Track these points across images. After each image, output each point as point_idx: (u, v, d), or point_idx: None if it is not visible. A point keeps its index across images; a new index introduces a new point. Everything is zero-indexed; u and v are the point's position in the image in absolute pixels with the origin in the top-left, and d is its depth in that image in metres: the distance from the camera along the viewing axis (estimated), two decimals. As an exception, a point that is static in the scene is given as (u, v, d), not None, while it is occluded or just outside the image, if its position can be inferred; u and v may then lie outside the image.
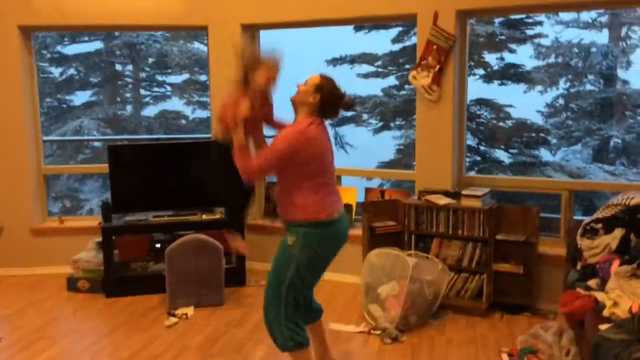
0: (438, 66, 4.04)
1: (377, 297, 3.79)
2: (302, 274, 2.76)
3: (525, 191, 4.51)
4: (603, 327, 2.64)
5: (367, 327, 3.73)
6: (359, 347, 3.50)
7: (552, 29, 9.77)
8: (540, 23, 9.41)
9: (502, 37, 9.27)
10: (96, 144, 10.58)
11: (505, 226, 3.98)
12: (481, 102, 9.28)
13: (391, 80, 10.20)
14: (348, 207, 4.66)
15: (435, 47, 4.04)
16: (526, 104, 9.63)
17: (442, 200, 3.97)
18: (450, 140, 4.14)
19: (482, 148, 9.35)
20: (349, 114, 10.65)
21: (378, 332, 3.64)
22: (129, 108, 11.55)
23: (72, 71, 11.01)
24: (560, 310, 3.09)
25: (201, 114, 10.98)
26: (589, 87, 9.68)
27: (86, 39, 10.86)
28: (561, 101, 10.10)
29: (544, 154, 9.47)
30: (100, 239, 4.47)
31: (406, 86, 9.93)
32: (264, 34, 4.98)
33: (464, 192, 3.96)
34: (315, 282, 2.97)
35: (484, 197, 3.88)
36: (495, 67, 9.47)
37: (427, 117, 4.20)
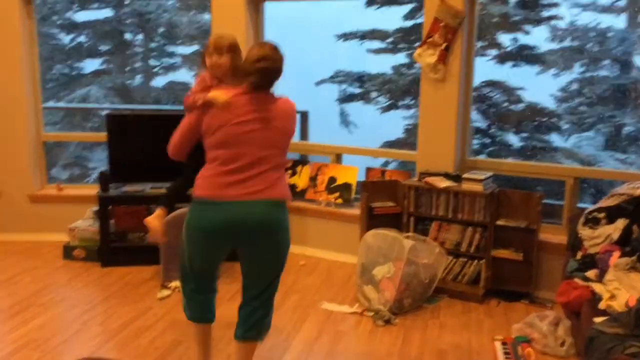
0: (445, 44, 3.92)
1: (372, 278, 3.74)
2: (184, 248, 2.62)
3: (533, 176, 4.40)
4: (598, 320, 2.57)
5: (361, 309, 3.68)
6: (351, 328, 3.46)
7: (568, 11, 9.56)
8: (556, 4, 9.20)
9: (517, 18, 9.08)
10: (104, 112, 10.52)
11: (507, 212, 3.90)
12: (493, 83, 9.11)
13: (401, 58, 10.05)
14: (347, 186, 4.60)
15: (442, 24, 3.91)
16: (539, 87, 9.47)
17: (443, 183, 3.89)
18: (454, 121, 4.04)
19: (491, 130, 9.22)
20: (357, 91, 10.55)
21: (371, 313, 3.60)
22: (138, 78, 11.48)
23: (82, 38, 10.92)
24: (557, 300, 3.03)
25: (208, 85, 10.89)
26: (603, 72, 9.50)
27: (95, 5, 10.75)
28: (575, 86, 9.94)
29: (555, 140, 9.34)
30: (97, 207, 4.44)
31: (416, 64, 9.77)
32: (269, 6, 4.85)
33: (465, 175, 3.87)
34: (193, 266, 2.63)
35: (485, 181, 3.80)
36: (509, 48, 9.29)
37: (431, 97, 4.09)
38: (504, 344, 3.24)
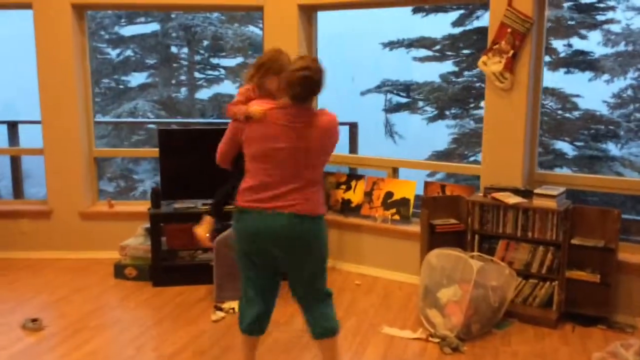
0: (512, 51, 3.68)
1: (437, 301, 3.51)
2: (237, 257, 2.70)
3: (604, 191, 4.07)
4: None
5: (425, 334, 3.46)
6: (416, 356, 3.24)
7: (622, 15, 9.18)
8: (612, 8, 8.83)
9: (571, 22, 8.74)
10: (150, 125, 10.62)
11: (581, 230, 3.62)
12: (546, 90, 8.76)
13: (449, 66, 9.79)
14: (405, 201, 4.39)
15: (509, 30, 3.68)
16: (591, 93, 9.11)
17: (512, 199, 3.64)
18: (522, 133, 3.79)
19: (543, 139, 8.87)
20: (404, 100, 10.33)
21: (437, 340, 3.37)
22: (183, 90, 11.55)
23: (129, 52, 11.05)
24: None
25: (255, 97, 10.86)
26: (659, 77, 9.10)
27: (142, 20, 10.87)
28: (630, 92, 9.52)
29: (611, 148, 8.94)
30: (148, 225, 4.35)
31: (465, 72, 9.52)
32: (321, 16, 4.72)
33: (536, 190, 3.62)
34: (249, 276, 2.69)
35: (559, 197, 3.53)
36: (562, 54, 8.94)
37: (497, 107, 3.85)
38: (585, 375, 2.98)
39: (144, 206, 4.69)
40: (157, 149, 4.41)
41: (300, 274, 2.63)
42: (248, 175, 2.58)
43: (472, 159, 9.30)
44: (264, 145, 2.50)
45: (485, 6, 8.30)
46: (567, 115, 8.98)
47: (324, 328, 2.68)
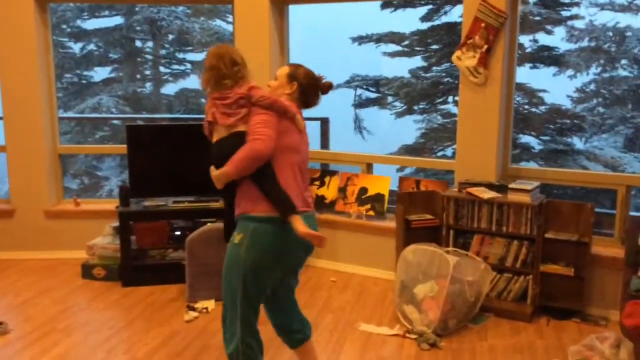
0: (486, 46, 3.68)
1: (413, 297, 3.50)
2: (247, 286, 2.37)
3: (575, 185, 4.12)
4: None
5: (402, 330, 3.44)
6: (393, 353, 3.21)
7: (586, 11, 9.35)
8: (577, 4, 8.98)
9: (538, 18, 8.85)
10: (115, 121, 10.37)
11: (555, 224, 3.65)
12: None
13: (418, 61, 9.82)
14: (379, 197, 4.36)
15: (483, 25, 3.68)
16: (556, 88, 9.26)
17: (487, 194, 3.64)
18: (495, 128, 3.80)
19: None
20: (374, 95, 10.32)
21: (414, 336, 3.35)
22: (148, 85, 11.32)
23: (91, 46, 10.76)
24: (624, 322, 2.77)
25: (222, 93, 10.72)
26: (622, 72, 9.28)
27: (106, 13, 10.60)
28: (592, 87, 9.71)
29: (576, 142, 9.11)
30: (117, 223, 4.23)
31: (434, 68, 9.57)
32: (292, 10, 4.65)
33: (511, 185, 3.63)
34: (259, 298, 2.45)
35: (533, 192, 3.55)
36: (528, 49, 9.06)
37: (471, 102, 3.85)
38: (562, 368, 3.00)
39: (111, 204, 4.56)
40: (124, 146, 4.28)
41: (296, 275, 2.61)
42: (281, 177, 2.36)
43: (440, 153, 9.37)
44: (296, 145, 2.43)
45: (453, 2, 8.36)
46: (534, 109, 9.11)
47: (306, 330, 2.65)
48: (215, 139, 2.44)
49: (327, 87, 2.55)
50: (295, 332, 2.62)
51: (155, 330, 3.47)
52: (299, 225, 2.26)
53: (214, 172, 2.40)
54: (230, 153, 2.32)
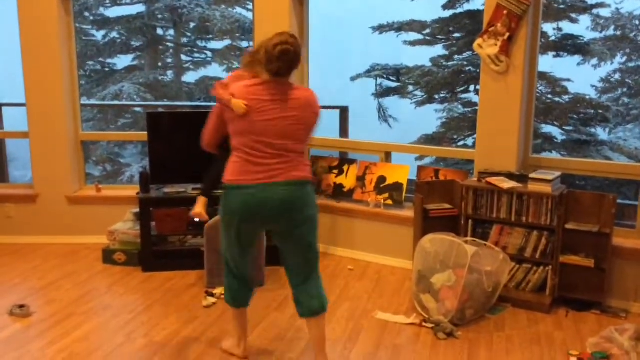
0: (508, 34, 3.63)
1: (431, 286, 3.49)
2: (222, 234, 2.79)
3: (599, 176, 4.06)
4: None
5: (419, 319, 3.43)
6: (410, 342, 3.22)
7: (612, -1, 9.18)
8: (603, -9, 8.82)
9: (562, 6, 8.70)
10: (137, 109, 10.46)
11: (576, 214, 3.60)
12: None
13: (439, 50, 9.72)
14: (398, 186, 4.35)
15: (505, 12, 3.62)
16: (579, 77, 9.11)
17: (507, 184, 3.61)
18: (517, 117, 3.75)
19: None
20: (394, 84, 10.24)
21: (431, 325, 3.35)
22: (169, 73, 11.38)
23: (114, 34, 10.84)
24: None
25: (241, 80, 10.73)
26: (649, 62, 9.12)
27: (128, 1, 10.67)
28: (617, 76, 9.54)
29: (600, 133, 8.96)
30: (137, 209, 4.28)
31: (455, 56, 9.47)
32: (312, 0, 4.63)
33: (532, 175, 3.59)
34: (231, 249, 2.78)
35: (554, 182, 3.51)
36: (552, 38, 8.91)
37: (492, 91, 3.81)
38: (580, 359, 2.98)
39: (132, 190, 4.61)
40: (145, 133, 4.32)
41: (295, 242, 2.71)
42: (238, 152, 2.63)
43: (460, 143, 9.29)
44: (251, 119, 2.56)
45: (476, -11, 8.25)
46: (557, 99, 8.97)
47: (314, 304, 2.77)
48: None
49: (275, 49, 2.53)
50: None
51: (174, 315, 3.52)
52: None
53: None
54: None
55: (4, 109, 5.71)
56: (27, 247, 4.68)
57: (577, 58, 9.11)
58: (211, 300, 3.70)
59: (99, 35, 10.80)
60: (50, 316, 3.50)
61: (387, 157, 4.51)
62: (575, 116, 8.94)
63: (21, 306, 3.51)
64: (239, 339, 2.99)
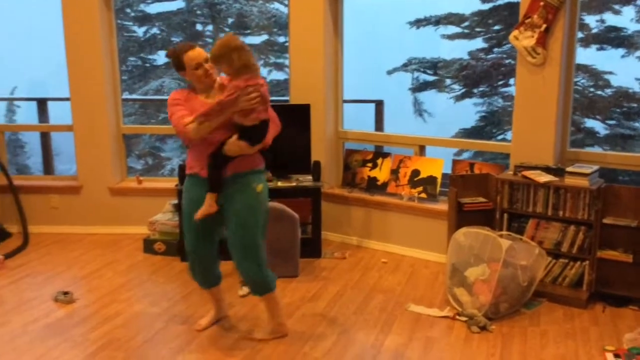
0: (545, 25, 3.58)
1: (464, 280, 3.48)
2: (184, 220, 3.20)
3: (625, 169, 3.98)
4: None
5: (452, 312, 3.44)
6: (443, 334, 3.23)
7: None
8: (648, -20, 8.54)
9: (605, -3, 8.48)
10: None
11: (614, 209, 3.54)
12: (578, 67, 8.53)
13: (478, 43, 9.60)
14: (432, 179, 4.34)
15: (542, 3, 3.58)
16: (623, 70, 8.87)
17: (543, 178, 3.57)
18: (554, 110, 3.70)
19: (574, 117, 8.67)
20: (431, 78, 10.17)
21: (464, 318, 3.35)
22: (208, 68, 11.52)
23: (154, 30, 11.05)
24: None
25: (277, 75, 10.80)
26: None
27: (168, -3, 10.86)
28: (662, 69, 9.24)
29: (642, 128, 8.72)
30: (176, 201, 4.39)
31: (495, 49, 9.34)
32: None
33: (569, 169, 3.54)
34: (189, 231, 3.15)
35: (592, 176, 3.46)
36: (595, 30, 8.70)
37: (528, 83, 3.77)
38: (616, 356, 2.94)
39: (171, 183, 4.73)
40: (184, 126, 4.41)
41: (230, 225, 3.06)
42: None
43: (500, 137, 9.17)
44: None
45: (516, -20, 8.11)
46: (599, 92, 8.76)
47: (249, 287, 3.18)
48: None
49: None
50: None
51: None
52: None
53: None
54: None
55: (50, 103, 5.91)
56: (71, 237, 4.85)
57: (621, 50, 8.87)
58: (246, 290, 3.78)
59: (140, 31, 11.03)
60: (93, 303, 3.63)
61: (422, 150, 4.50)
62: (618, 110, 8.72)
63: (65, 293, 3.66)
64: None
